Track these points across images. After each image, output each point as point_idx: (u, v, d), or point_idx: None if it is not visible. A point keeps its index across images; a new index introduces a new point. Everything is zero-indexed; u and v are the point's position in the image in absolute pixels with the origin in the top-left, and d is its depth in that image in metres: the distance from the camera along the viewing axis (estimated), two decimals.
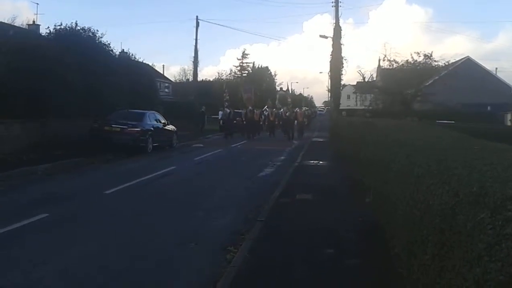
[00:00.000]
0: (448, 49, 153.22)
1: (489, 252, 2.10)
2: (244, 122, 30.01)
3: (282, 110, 31.55)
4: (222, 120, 30.62)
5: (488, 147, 4.43)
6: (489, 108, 39.52)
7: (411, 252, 3.74)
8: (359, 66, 67.73)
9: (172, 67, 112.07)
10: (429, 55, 32.25)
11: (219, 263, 5.56)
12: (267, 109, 33.07)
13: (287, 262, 5.38)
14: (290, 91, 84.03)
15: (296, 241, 6.27)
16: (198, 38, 37.47)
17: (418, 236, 3.46)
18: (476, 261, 2.21)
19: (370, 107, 38.49)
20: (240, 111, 31.75)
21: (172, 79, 62.61)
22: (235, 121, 30.12)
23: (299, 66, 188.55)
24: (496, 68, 52.63)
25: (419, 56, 32.29)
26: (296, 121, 29.84)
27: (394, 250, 4.94)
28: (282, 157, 18.16)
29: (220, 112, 31.50)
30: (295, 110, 31.23)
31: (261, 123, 31.34)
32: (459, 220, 2.58)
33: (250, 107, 30.32)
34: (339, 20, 31.58)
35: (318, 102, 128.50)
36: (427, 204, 3.34)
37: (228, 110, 29.45)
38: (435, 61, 32.59)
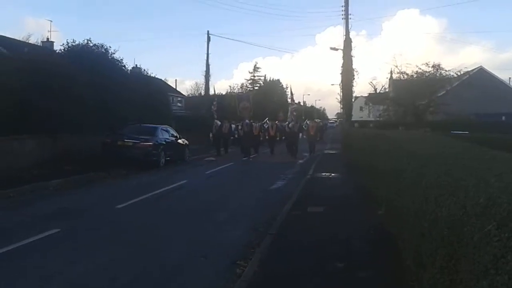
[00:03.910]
0: (463, 59, 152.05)
1: (495, 265, 2.05)
2: (237, 136, 26.65)
3: (287, 122, 27.84)
4: (212, 134, 26.45)
5: (499, 158, 4.36)
6: (503, 118, 39.02)
7: (420, 264, 3.68)
8: (375, 78, 67.53)
9: (187, 81, 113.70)
10: (437, 65, 32.16)
11: (229, 277, 5.53)
12: (267, 122, 29.31)
13: (298, 276, 5.33)
14: (302, 103, 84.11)
15: (307, 255, 6.21)
16: (209, 52, 37.67)
17: (427, 248, 3.41)
18: (483, 274, 2.16)
19: (381, 119, 38.33)
20: (238, 124, 27.51)
21: (186, 93, 63.28)
22: (232, 137, 27.06)
23: (313, 78, 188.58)
24: (510, 78, 51.90)
25: (428, 67, 32.22)
26: (301, 134, 27.07)
27: (406, 263, 4.87)
28: (294, 170, 18.09)
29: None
30: (306, 122, 30.17)
31: (261, 138, 26.83)
32: (466, 232, 2.54)
33: (247, 120, 26.11)
34: (349, 32, 31.54)
35: (331, 114, 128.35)
36: (436, 216, 3.29)
37: (219, 122, 26.06)
38: (445, 70, 32.48)
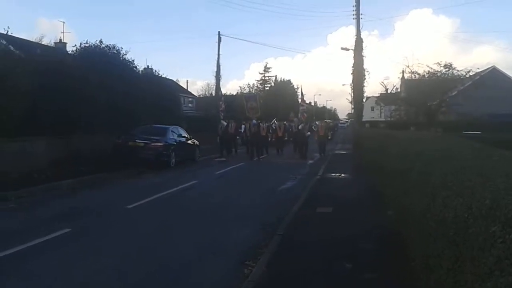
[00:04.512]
0: (476, 59, 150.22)
1: (499, 267, 2.04)
2: (244, 137, 25.63)
3: (293, 124, 27.15)
4: (218, 135, 25.29)
5: (507, 158, 4.32)
6: None
7: (427, 265, 3.65)
8: (387, 77, 67.35)
9: (199, 81, 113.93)
10: (449, 65, 31.94)
11: (236, 277, 5.54)
12: (275, 122, 28.77)
13: (306, 277, 5.32)
14: (313, 104, 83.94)
15: (315, 256, 6.20)
16: (220, 53, 37.59)
17: (434, 249, 3.38)
18: (487, 276, 2.15)
19: (392, 119, 38.15)
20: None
21: (197, 93, 63.68)
22: (238, 137, 26.31)
23: (324, 78, 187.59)
24: None
25: (440, 67, 32.02)
26: (308, 133, 25.65)
27: (413, 264, 4.83)
28: (304, 170, 18.04)
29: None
30: (315, 123, 29.81)
31: (269, 139, 26.04)
32: (471, 233, 2.52)
33: (254, 121, 25.24)
34: (360, 32, 31.24)
35: (342, 115, 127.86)
36: (443, 217, 3.27)
37: (225, 123, 25.60)
38: (457, 70, 32.24)
